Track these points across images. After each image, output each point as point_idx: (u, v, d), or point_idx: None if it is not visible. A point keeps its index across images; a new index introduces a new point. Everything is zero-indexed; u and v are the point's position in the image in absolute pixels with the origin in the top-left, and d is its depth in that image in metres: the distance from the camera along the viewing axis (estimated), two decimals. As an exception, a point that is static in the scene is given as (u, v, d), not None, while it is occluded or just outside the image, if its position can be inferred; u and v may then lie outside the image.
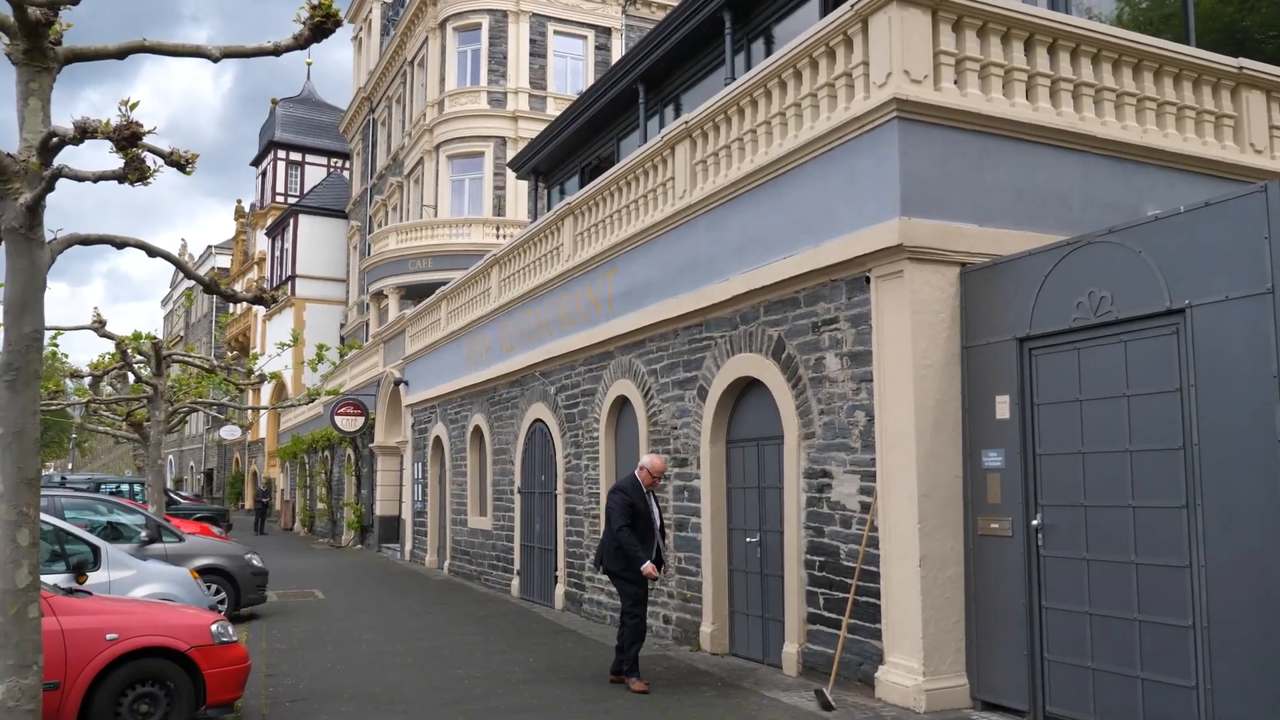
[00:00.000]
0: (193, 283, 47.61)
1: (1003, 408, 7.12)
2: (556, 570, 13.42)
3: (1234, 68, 8.72)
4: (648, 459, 8.78)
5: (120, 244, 6.16)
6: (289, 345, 17.98)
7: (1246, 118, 8.84)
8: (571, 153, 19.22)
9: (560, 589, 13.27)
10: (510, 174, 26.15)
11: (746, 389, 9.52)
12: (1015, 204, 7.72)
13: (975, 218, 7.57)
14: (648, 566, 8.33)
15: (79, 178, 5.71)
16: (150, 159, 6.28)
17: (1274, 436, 5.39)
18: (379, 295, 31.97)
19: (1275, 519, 5.36)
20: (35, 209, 5.17)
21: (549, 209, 18.48)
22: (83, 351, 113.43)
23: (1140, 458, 6.14)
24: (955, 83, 7.70)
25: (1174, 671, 5.86)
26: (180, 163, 6.35)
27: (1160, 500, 6.00)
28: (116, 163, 6.19)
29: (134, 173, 6.06)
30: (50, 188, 5.23)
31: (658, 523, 8.65)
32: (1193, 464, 5.81)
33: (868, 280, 7.74)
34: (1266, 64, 8.94)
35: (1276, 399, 5.40)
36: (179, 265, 6.19)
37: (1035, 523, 6.82)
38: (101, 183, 5.85)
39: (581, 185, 17.27)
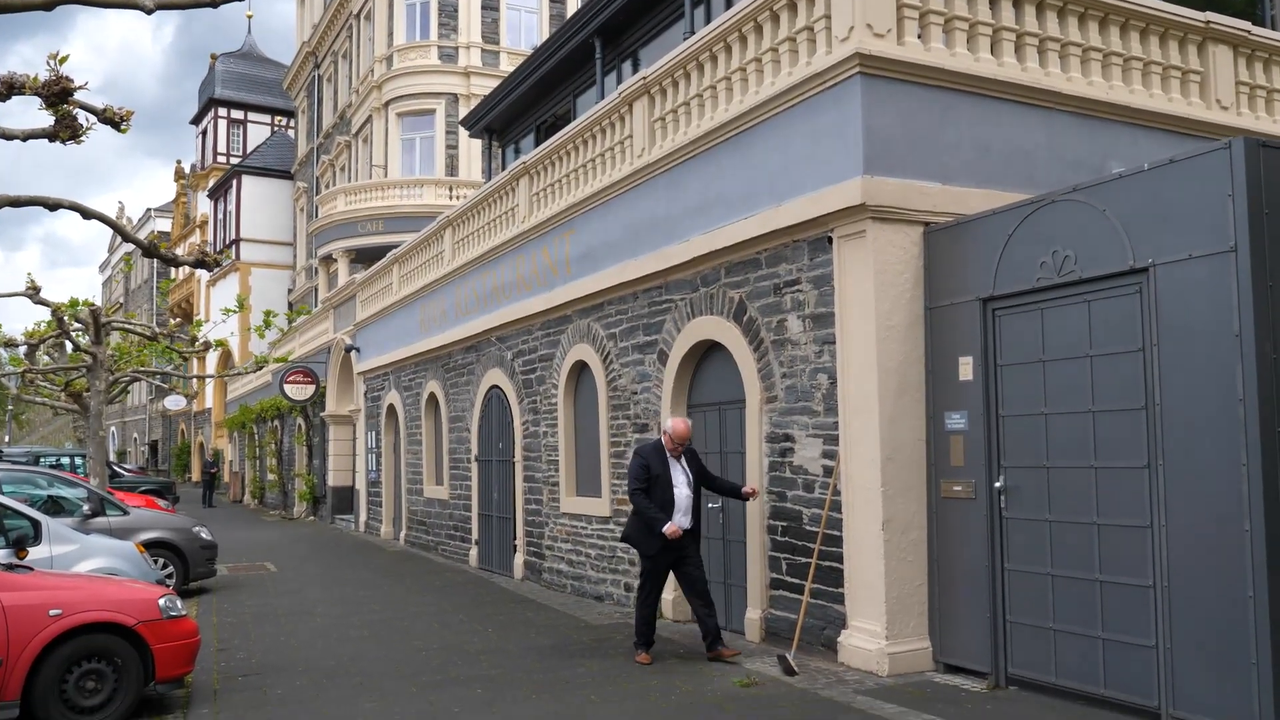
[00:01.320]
0: (132, 247, 46.73)
1: (966, 369, 7.20)
2: (515, 540, 13.44)
3: (1201, 22, 8.80)
4: (669, 422, 8.33)
5: (53, 205, 6.02)
6: (234, 311, 17.73)
7: (1213, 73, 8.94)
8: (526, 110, 19.03)
9: (519, 558, 13.31)
10: (463, 132, 25.85)
11: (708, 352, 9.54)
12: (980, 162, 7.77)
13: (939, 176, 7.61)
14: (670, 527, 7.94)
15: (7, 135, 5.56)
16: (83, 116, 6.13)
17: (1235, 396, 5.51)
18: (328, 259, 31.56)
19: (1235, 479, 5.49)
20: (-39, 168, 5.02)
21: (504, 168, 18.31)
22: (18, 320, 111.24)
23: (1103, 419, 6.25)
24: (919, 37, 7.70)
25: (1134, 631, 6.00)
26: (114, 120, 6.20)
27: (1122, 461, 6.12)
28: (47, 120, 6.04)
29: (65, 130, 5.91)
30: (-23, 146, 5.08)
31: (683, 489, 8.13)
32: (1155, 424, 5.92)
33: (830, 240, 7.77)
34: (1233, 19, 9.03)
35: (1238, 359, 5.51)
36: (116, 228, 6.06)
37: (998, 485, 6.93)
38: (34, 142, 5.71)
39: (537, 144, 17.11)
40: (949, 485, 7.31)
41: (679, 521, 8.07)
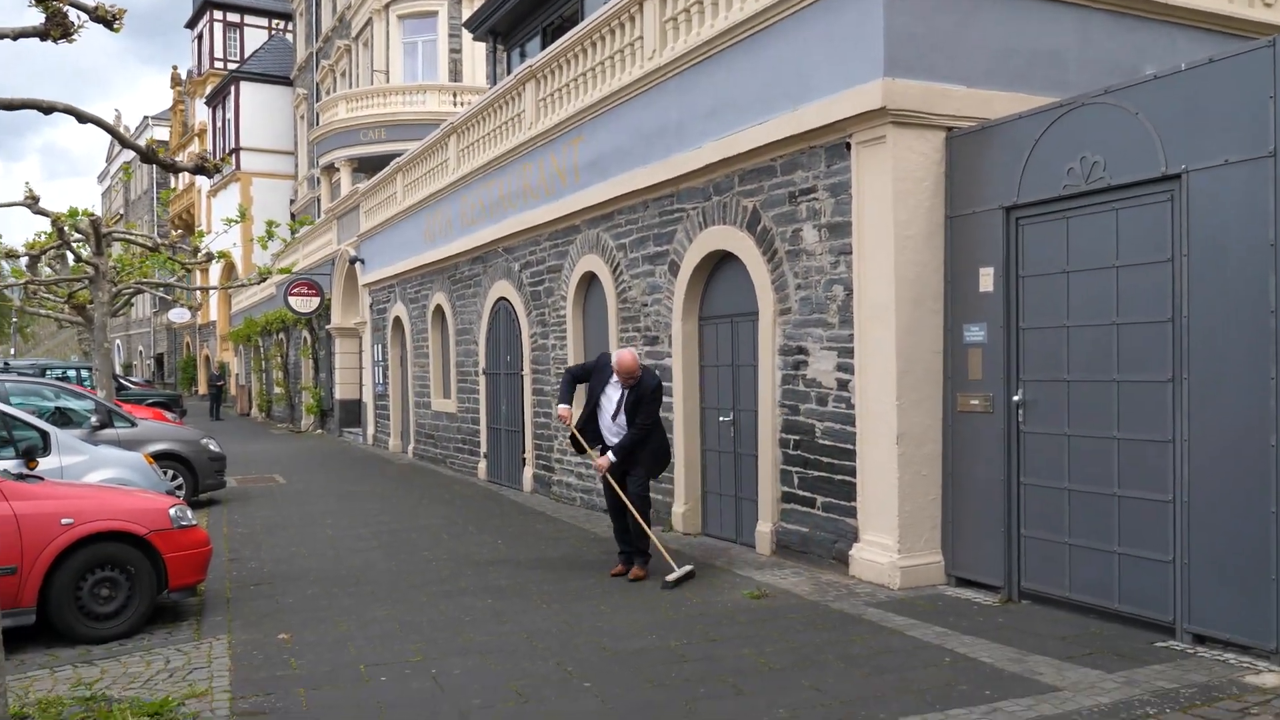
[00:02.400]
0: (131, 156, 46.28)
1: (986, 280, 7.10)
2: (524, 453, 13.53)
3: (1241, -84, 8.47)
4: (615, 353, 8.16)
5: (48, 109, 5.88)
6: (236, 222, 17.58)
7: (1251, -29, 8.63)
8: (532, 11, 18.59)
9: (528, 471, 13.40)
10: (467, 35, 25.33)
11: (720, 263, 9.44)
12: (1006, 64, 7.55)
13: (963, 78, 7.41)
14: (561, 407, 8.15)
15: (-4, 33, 5.41)
16: (74, 14, 5.96)
17: (1266, 309, 5.41)
18: (330, 168, 31.25)
19: (1262, 394, 5.42)
20: (-51, 66, 4.89)
21: (509, 73, 17.95)
22: (18, 232, 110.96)
23: (1127, 331, 6.16)
24: (946, -69, 7.42)
25: (1152, 546, 6.01)
26: (106, 19, 6.03)
27: (1145, 374, 6.05)
28: (38, 18, 5.87)
29: (56, 28, 5.75)
30: (-36, 43, 4.94)
31: (606, 415, 8.13)
32: (1181, 337, 5.83)
33: (848, 146, 7.60)
34: (1275, -87, 8.68)
35: (1272, 270, 5.40)
36: (112, 132, 5.93)
37: (1016, 398, 6.89)
38: (28, 49, 5.57)
39: (544, 46, 16.75)
40: (966, 399, 7.26)
41: (607, 440, 8.17)
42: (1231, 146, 5.57)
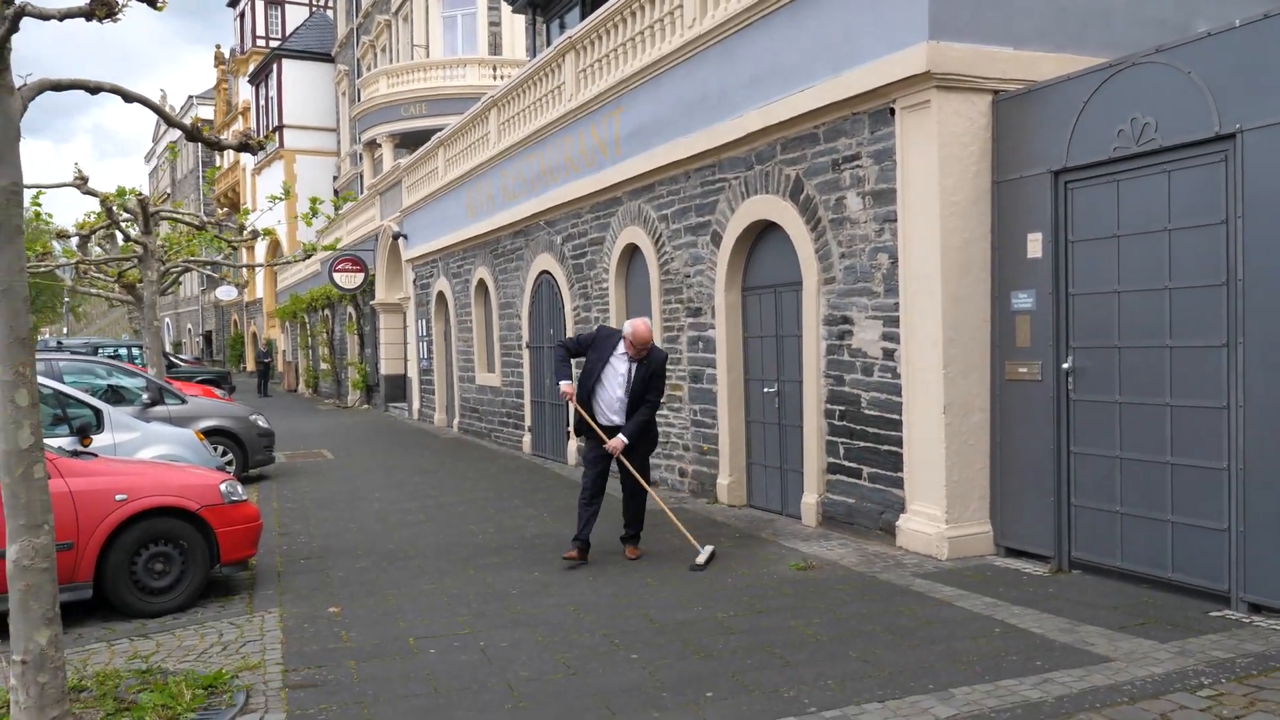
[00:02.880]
0: (176, 135, 46.83)
1: (1034, 246, 7.00)
2: (568, 426, 13.58)
3: None
4: (628, 324, 7.59)
5: (94, 89, 5.97)
6: (280, 199, 17.73)
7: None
8: (571, -18, 18.48)
9: (573, 445, 13.46)
10: (505, 8, 25.27)
11: (763, 233, 9.39)
12: (1054, 24, 7.40)
13: (1010, 40, 7.27)
14: (565, 385, 7.64)
15: (43, 15, 5.48)
16: (117, -6, 6.02)
17: (1324, 269, 5.29)
18: (372, 144, 31.41)
19: (1320, 356, 5.31)
20: (0, 51, 4.98)
21: (548, 45, 17.90)
22: (68, 212, 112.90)
23: (1179, 295, 6.05)
24: (991, -112, 7.27)
25: (1206, 515, 5.93)
26: (150, -2, 6.09)
27: (1199, 340, 5.95)
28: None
29: (101, 8, 5.82)
30: (14, 28, 5.02)
31: (616, 389, 7.62)
32: (1235, 301, 5.72)
33: (892, 112, 7.51)
34: None
35: (1329, 229, 5.27)
36: (157, 110, 6.00)
37: (1065, 366, 6.80)
38: (75, 31, 5.65)
39: (583, 17, 16.67)
40: (1014, 367, 7.19)
41: (607, 417, 7.67)
42: (1289, 104, 5.42)
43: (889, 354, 7.75)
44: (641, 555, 7.85)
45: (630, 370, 7.59)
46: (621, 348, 7.58)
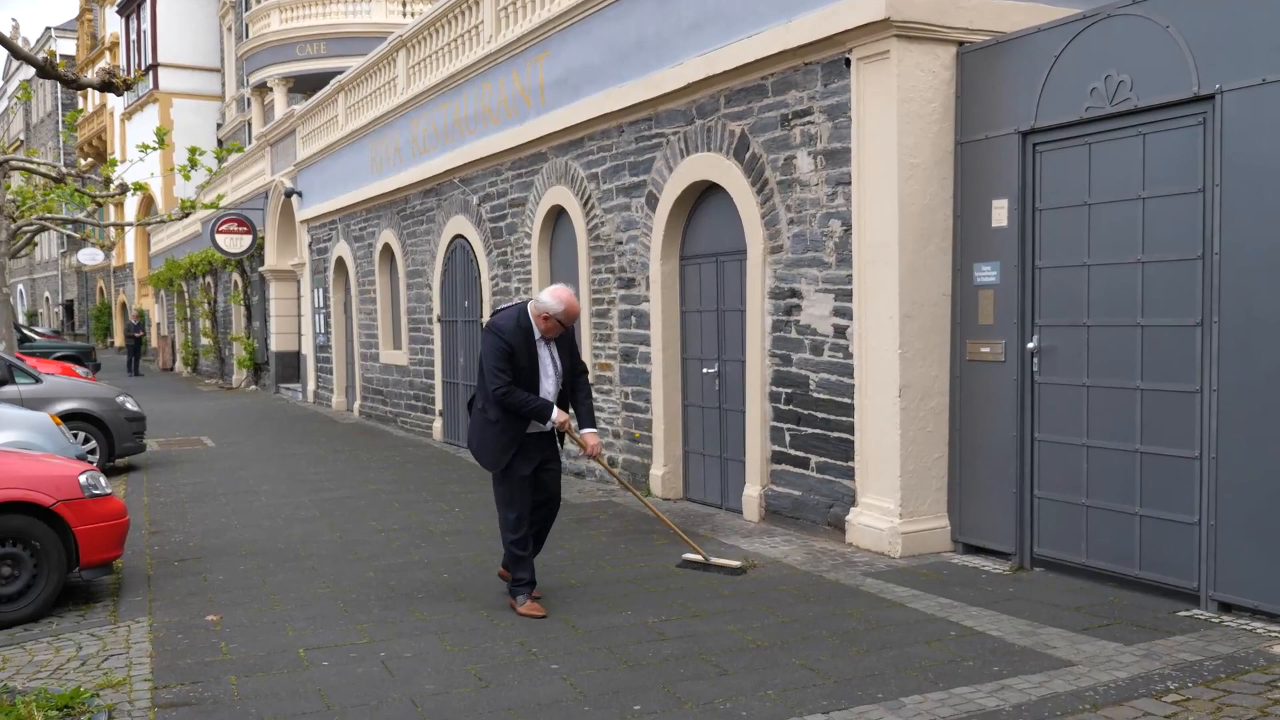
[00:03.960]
0: (31, 73, 45.41)
1: (1000, 214, 7.16)
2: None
3: None
4: (552, 296, 6.51)
5: (-70, 18, 5.81)
6: (153, 148, 17.39)
7: None
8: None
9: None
10: (416, -65, 24.94)
11: (704, 195, 9.46)
12: (1024, -31, 7.55)
13: (976, -14, 7.41)
14: (559, 415, 6.55)
15: None
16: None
17: (1305, 243, 5.50)
18: (262, 88, 30.85)
19: (1299, 337, 5.53)
20: None
21: (465, -21, 17.75)
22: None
23: (1153, 270, 6.25)
24: None
25: (1176, 507, 6.15)
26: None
27: (1172, 318, 6.15)
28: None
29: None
30: None
31: (550, 382, 6.64)
32: (1211, 276, 5.92)
33: (848, 63, 7.60)
34: None
35: (1311, 200, 5.48)
36: (4, 43, 5.87)
37: (1031, 345, 6.98)
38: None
39: (504, -52, 16.56)
40: (975, 346, 7.36)
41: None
42: (1271, 64, 5.62)
43: (840, 331, 7.88)
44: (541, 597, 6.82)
45: (554, 353, 6.68)
46: (537, 331, 6.56)
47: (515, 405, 6.43)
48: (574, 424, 6.73)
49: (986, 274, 7.27)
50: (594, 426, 6.88)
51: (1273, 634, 5.57)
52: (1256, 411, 5.74)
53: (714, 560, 7.46)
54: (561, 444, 6.91)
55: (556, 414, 6.54)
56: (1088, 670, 5.17)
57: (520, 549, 6.60)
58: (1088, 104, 6.58)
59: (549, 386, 6.63)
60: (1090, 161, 6.62)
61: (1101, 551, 6.60)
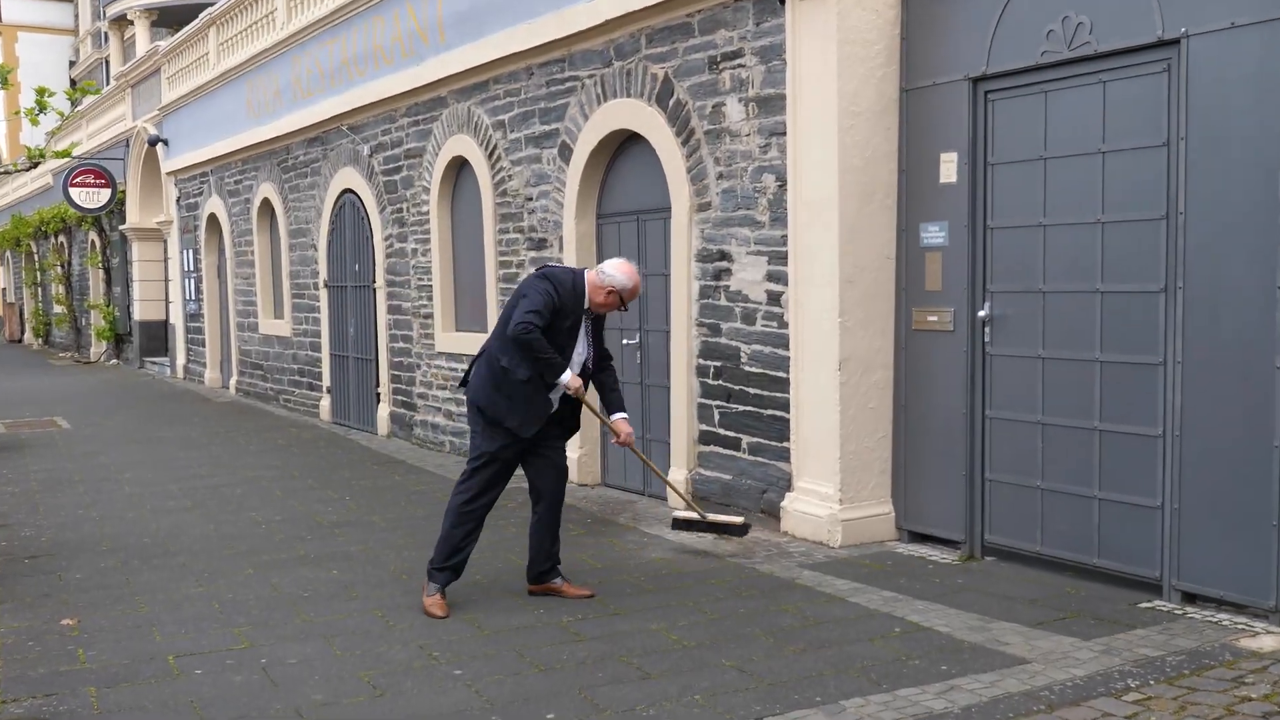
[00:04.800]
0: None
1: (948, 169, 7.20)
2: (378, 387, 13.44)
3: None
4: (620, 270, 6.57)
5: None
6: (-4, 89, 16.84)
7: None
8: None
9: (384, 410, 13.34)
10: None
11: (623, 146, 9.42)
12: (976, -102, 7.58)
13: (924, -84, 7.43)
14: (571, 377, 6.48)
15: None
16: None
17: (1278, 201, 5.60)
18: (121, 20, 30.14)
19: (1269, 305, 5.64)
20: None
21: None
22: None
23: (1113, 231, 6.33)
24: None
25: (1137, 490, 6.26)
26: None
27: (1134, 284, 6.23)
28: None
29: None
30: None
31: (581, 357, 6.64)
32: (1175, 238, 6.01)
33: (782, 0, 7.59)
34: None
35: (1283, 155, 5.58)
36: None
37: (982, 314, 7.05)
38: None
39: None
40: (922, 315, 7.41)
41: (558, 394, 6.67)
42: (1240, 6, 5.70)
43: (775, 298, 7.89)
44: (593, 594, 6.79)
45: (590, 331, 6.73)
46: (587, 301, 6.57)
47: (535, 348, 6.32)
48: (587, 395, 6.72)
49: (934, 235, 7.32)
50: (624, 412, 6.90)
51: (1239, 626, 5.71)
52: (1223, 385, 5.85)
53: (711, 517, 7.65)
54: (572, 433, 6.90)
55: (569, 376, 6.47)
56: (1043, 668, 5.24)
57: (468, 538, 6.53)
58: (1044, 48, 6.62)
59: (582, 354, 6.65)
60: (1046, 112, 6.67)
61: (1057, 539, 6.70)
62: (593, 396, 7.00)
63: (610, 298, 6.55)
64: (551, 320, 6.39)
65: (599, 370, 6.84)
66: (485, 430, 6.54)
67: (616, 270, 6.56)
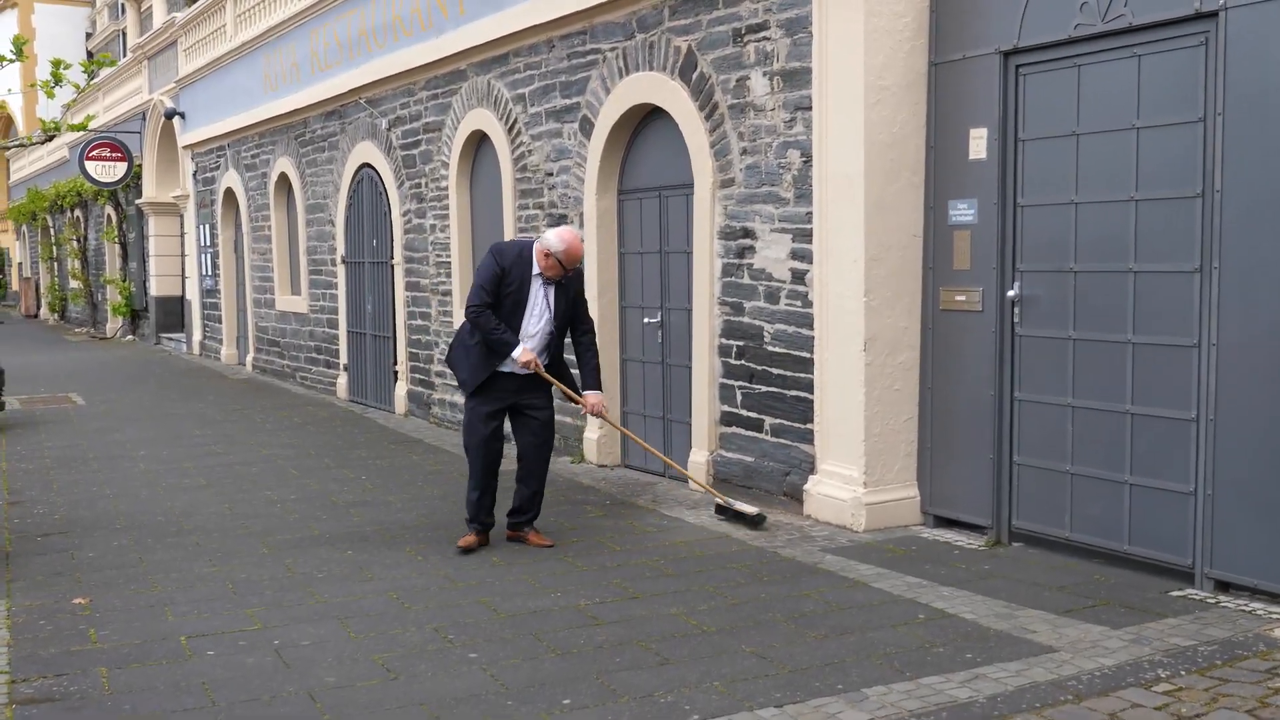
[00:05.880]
0: None
1: (978, 145, 7.13)
2: (396, 365, 13.47)
3: None
4: (555, 235, 7.19)
5: None
6: (11, 60, 16.86)
7: None
8: None
9: (401, 388, 13.37)
10: None
11: (645, 121, 9.38)
12: None
13: (955, -116, 7.34)
14: (523, 351, 7.13)
15: None
16: None
17: (1316, 180, 5.53)
18: (138, -8, 30.18)
19: (1307, 285, 5.58)
20: None
21: None
22: None
23: (1147, 209, 6.26)
24: None
25: (1170, 475, 6.20)
26: None
27: (1168, 263, 6.17)
28: None
29: None
30: None
31: (541, 320, 7.26)
32: (1212, 217, 5.94)
33: (809, -29, 7.54)
34: None
35: (1324, 131, 5.50)
36: None
37: (1012, 293, 6.99)
38: None
39: None
40: (950, 294, 7.36)
41: (516, 363, 7.27)
42: (1283, -24, 5.61)
43: (799, 276, 7.84)
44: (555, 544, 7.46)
45: (550, 296, 7.28)
46: (536, 266, 7.21)
47: (482, 327, 7.16)
48: (542, 367, 7.35)
49: (963, 213, 7.26)
50: (598, 389, 7.54)
51: (1273, 616, 5.65)
52: (1260, 368, 5.78)
53: (734, 505, 7.86)
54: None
55: (519, 352, 7.17)
56: (1071, 657, 5.20)
57: (472, 487, 7.37)
58: (1077, 21, 6.54)
59: (533, 327, 7.28)
60: (1079, 86, 6.60)
61: (1087, 524, 6.66)
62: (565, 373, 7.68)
63: (548, 260, 7.18)
64: (497, 289, 7.19)
65: (576, 338, 7.54)
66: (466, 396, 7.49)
67: (551, 234, 7.25)
